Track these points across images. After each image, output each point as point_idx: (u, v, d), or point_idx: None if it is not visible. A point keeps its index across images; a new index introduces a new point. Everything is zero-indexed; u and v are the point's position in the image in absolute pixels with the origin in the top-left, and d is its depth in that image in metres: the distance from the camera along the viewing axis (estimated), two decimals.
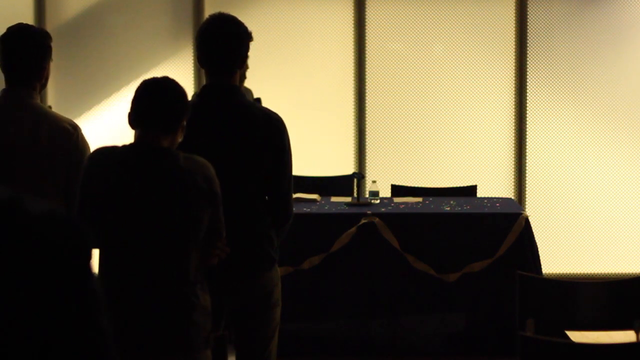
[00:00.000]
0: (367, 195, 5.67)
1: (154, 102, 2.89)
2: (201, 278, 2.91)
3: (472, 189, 6.36)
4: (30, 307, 1.14)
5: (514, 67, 7.05)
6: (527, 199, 7.07)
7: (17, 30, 3.50)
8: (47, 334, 1.15)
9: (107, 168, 2.86)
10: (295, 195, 5.20)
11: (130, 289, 2.84)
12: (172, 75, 2.99)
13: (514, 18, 7.03)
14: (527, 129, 7.06)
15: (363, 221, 5.23)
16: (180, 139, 2.96)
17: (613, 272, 6.96)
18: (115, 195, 2.85)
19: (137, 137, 2.91)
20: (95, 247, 3.46)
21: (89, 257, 1.21)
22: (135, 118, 2.90)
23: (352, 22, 7.05)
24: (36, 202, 1.17)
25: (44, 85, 3.55)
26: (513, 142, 7.08)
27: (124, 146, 2.90)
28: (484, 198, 6.03)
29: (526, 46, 7.02)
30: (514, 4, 7.02)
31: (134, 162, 2.86)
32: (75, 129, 3.49)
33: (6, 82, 3.49)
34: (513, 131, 7.08)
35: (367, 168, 6.90)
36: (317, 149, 6.89)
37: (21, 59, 3.45)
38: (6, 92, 3.48)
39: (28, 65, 3.46)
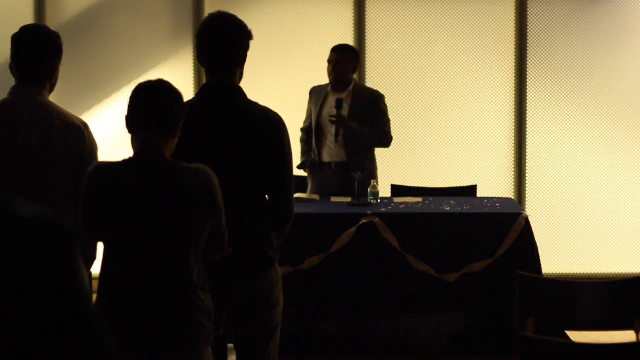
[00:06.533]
0: (367, 195, 5.66)
1: (151, 105, 2.90)
2: (203, 281, 2.93)
3: (472, 189, 6.36)
4: (16, 309, 1.15)
5: (514, 67, 7.05)
6: (527, 199, 7.07)
7: (30, 29, 3.55)
8: (34, 334, 1.16)
9: (109, 184, 2.87)
10: (295, 195, 5.20)
11: (134, 293, 2.86)
12: (172, 75, 3.00)
13: (514, 18, 7.03)
14: (527, 129, 7.06)
15: (363, 221, 5.23)
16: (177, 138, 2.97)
17: (613, 272, 6.96)
18: (118, 209, 2.87)
19: (135, 145, 2.91)
20: (96, 250, 3.48)
21: (75, 259, 1.21)
22: (132, 123, 2.92)
23: (352, 22, 7.05)
24: (26, 205, 1.18)
25: (53, 86, 3.58)
26: (513, 142, 7.08)
27: (124, 161, 2.91)
28: (484, 198, 6.03)
29: (526, 46, 7.02)
30: (514, 4, 7.03)
31: (134, 178, 2.87)
32: (85, 126, 3.55)
33: (17, 80, 3.53)
34: (513, 131, 7.08)
35: None
36: None
37: (33, 57, 3.49)
38: (17, 88, 3.51)
39: (40, 63, 3.50)
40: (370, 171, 5.96)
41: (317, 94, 6.04)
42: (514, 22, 7.03)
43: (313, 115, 6.02)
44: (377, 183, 5.82)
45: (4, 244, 1.15)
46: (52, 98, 3.62)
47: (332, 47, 5.97)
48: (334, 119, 5.77)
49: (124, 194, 2.87)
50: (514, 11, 7.03)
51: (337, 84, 5.93)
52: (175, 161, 2.91)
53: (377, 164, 6.13)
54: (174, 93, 2.93)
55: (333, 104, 5.85)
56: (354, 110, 5.88)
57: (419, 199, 5.84)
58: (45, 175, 3.45)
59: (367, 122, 5.89)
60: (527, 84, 7.05)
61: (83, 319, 1.21)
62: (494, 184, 6.97)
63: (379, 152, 6.16)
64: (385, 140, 5.96)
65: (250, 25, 3.45)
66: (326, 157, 5.99)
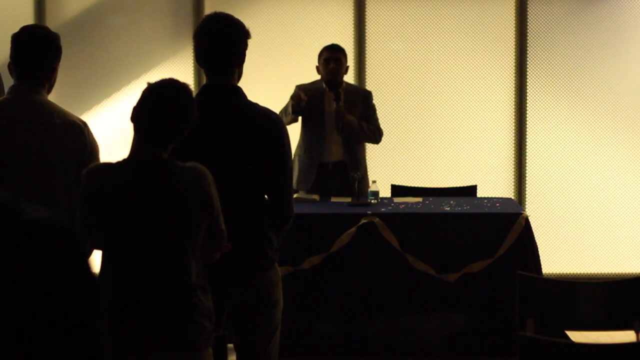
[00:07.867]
0: (367, 195, 5.66)
1: (155, 109, 2.88)
2: (202, 282, 2.93)
3: (472, 189, 6.36)
4: (22, 311, 1.14)
5: (514, 67, 7.05)
6: (527, 199, 7.07)
7: (30, 29, 3.56)
8: (39, 337, 1.16)
9: (104, 186, 2.87)
10: (295, 195, 5.20)
11: (133, 294, 2.86)
12: (172, 76, 2.97)
13: (514, 18, 7.03)
14: (527, 129, 7.06)
15: (363, 221, 5.23)
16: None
17: (613, 272, 6.96)
18: (114, 210, 2.87)
19: (134, 144, 2.91)
20: (92, 252, 3.48)
21: (83, 263, 1.21)
22: (136, 124, 2.90)
23: (352, 22, 7.05)
24: (32, 208, 1.18)
25: (51, 87, 3.58)
26: (513, 142, 7.08)
27: (119, 162, 2.90)
28: (484, 198, 6.03)
29: (526, 46, 7.02)
30: (514, 4, 7.02)
31: (129, 178, 2.87)
32: (85, 125, 3.55)
33: (16, 79, 3.53)
34: (513, 131, 7.08)
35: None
36: None
37: (32, 57, 3.50)
38: (15, 88, 3.52)
39: (39, 63, 3.50)
40: (364, 169, 6.01)
41: (308, 94, 5.95)
42: (514, 22, 7.03)
43: (312, 116, 5.99)
44: (368, 181, 5.84)
45: (11, 247, 1.15)
46: (53, 98, 3.62)
47: (324, 46, 5.96)
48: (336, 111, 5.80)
49: (119, 194, 2.86)
50: (514, 11, 7.03)
51: (332, 82, 5.93)
52: (170, 160, 2.90)
53: (378, 164, 6.13)
54: (183, 104, 2.89)
55: (332, 100, 5.86)
56: (348, 108, 5.90)
57: (419, 199, 5.84)
58: (46, 174, 3.45)
59: (361, 119, 5.94)
60: (527, 84, 7.04)
61: (89, 323, 1.21)
62: (494, 184, 6.97)
63: (380, 152, 6.16)
64: (379, 134, 6.01)
65: (250, 25, 3.46)
66: (330, 157, 5.98)
